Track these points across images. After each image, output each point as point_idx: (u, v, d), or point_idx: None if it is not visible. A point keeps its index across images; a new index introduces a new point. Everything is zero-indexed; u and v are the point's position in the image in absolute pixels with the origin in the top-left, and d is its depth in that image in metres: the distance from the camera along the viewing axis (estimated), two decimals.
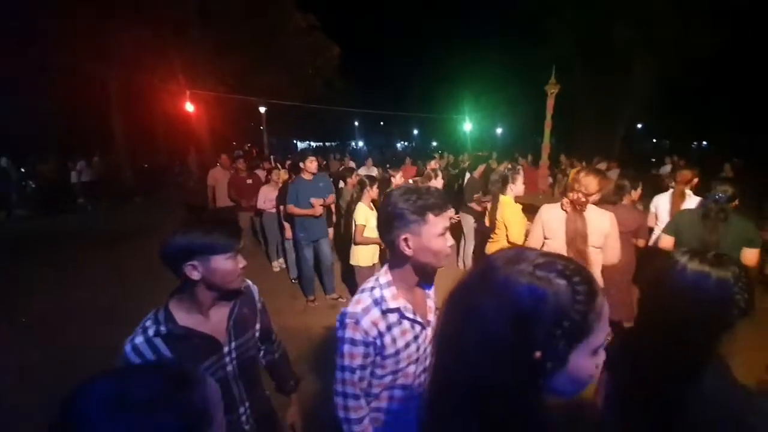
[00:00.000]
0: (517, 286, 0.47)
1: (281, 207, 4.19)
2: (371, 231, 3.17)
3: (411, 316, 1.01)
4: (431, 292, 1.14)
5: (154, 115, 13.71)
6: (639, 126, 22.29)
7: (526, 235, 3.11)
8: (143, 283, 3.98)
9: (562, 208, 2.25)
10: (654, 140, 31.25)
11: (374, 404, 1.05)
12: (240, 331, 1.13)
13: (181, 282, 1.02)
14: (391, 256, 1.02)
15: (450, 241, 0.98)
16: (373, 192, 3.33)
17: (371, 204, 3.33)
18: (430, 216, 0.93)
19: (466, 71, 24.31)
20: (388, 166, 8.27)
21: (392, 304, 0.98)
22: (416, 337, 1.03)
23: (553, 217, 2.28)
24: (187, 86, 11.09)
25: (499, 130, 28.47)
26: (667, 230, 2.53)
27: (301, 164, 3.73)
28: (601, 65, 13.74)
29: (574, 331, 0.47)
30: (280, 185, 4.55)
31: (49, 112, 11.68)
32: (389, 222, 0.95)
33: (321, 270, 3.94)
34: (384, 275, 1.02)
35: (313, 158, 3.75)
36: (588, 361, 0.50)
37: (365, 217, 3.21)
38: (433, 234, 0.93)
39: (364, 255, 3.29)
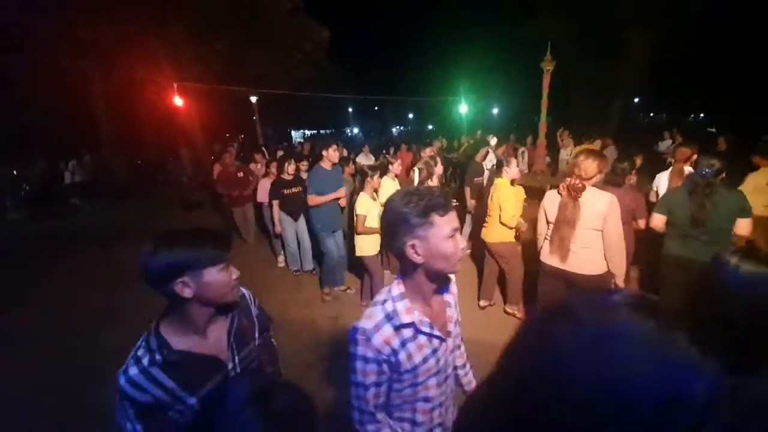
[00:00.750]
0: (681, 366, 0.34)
1: (274, 202, 4.12)
2: (372, 221, 3.17)
3: (427, 330, 0.94)
4: (451, 298, 1.07)
5: (141, 110, 13.40)
6: (636, 100, 22.03)
7: (525, 219, 3.14)
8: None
9: (559, 193, 2.25)
10: (651, 114, 30.98)
11: (397, 414, 1.01)
12: (242, 345, 1.07)
13: (170, 302, 0.94)
14: (401, 265, 0.95)
15: (462, 242, 0.91)
16: (375, 181, 3.29)
17: (374, 194, 3.31)
18: (435, 217, 0.86)
19: (460, 51, 23.86)
20: (384, 152, 8.16)
21: (406, 319, 0.92)
22: (435, 351, 0.97)
23: (552, 202, 2.30)
24: (173, 78, 10.79)
25: (495, 110, 28.15)
26: (658, 209, 2.52)
27: (324, 152, 3.60)
28: (595, 39, 13.47)
29: None
30: (272, 179, 4.38)
31: (33, 112, 11.38)
32: (393, 229, 0.88)
33: None
34: (396, 287, 0.96)
35: (335, 146, 3.63)
36: None
37: (366, 207, 3.20)
38: (441, 237, 0.86)
39: (368, 245, 3.29)
